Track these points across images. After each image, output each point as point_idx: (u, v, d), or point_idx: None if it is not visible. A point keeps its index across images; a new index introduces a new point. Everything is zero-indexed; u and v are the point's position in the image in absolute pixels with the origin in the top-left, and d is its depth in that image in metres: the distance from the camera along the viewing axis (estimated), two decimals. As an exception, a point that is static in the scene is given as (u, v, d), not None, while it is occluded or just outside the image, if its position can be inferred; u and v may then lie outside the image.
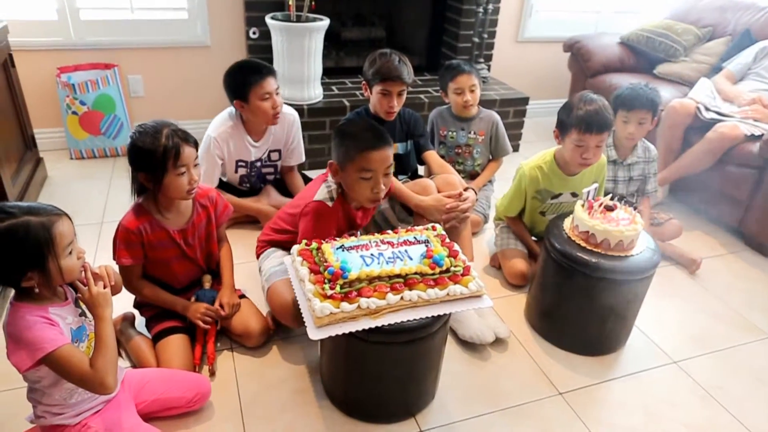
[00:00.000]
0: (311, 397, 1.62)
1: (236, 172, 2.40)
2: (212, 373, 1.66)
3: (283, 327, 1.85)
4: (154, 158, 1.49)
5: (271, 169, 2.51)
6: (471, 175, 2.63)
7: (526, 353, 1.85)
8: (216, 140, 2.26)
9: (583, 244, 1.76)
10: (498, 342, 1.87)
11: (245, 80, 2.17)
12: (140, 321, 1.80)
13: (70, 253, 1.19)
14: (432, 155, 2.30)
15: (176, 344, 1.63)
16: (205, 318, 1.68)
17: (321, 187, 1.73)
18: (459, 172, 2.59)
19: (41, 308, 1.17)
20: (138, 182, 1.57)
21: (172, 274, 1.71)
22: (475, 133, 2.56)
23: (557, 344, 1.88)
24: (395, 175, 2.27)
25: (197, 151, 1.58)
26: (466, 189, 2.06)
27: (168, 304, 1.69)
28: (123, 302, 1.81)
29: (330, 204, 1.68)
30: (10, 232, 1.10)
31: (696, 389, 1.76)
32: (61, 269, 1.17)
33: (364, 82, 2.21)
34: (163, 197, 1.59)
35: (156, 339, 1.67)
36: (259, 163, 2.43)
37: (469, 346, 1.85)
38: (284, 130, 2.42)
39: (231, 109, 2.33)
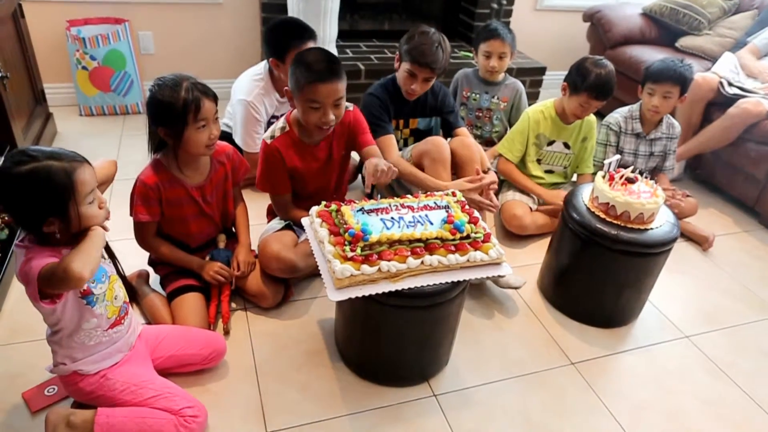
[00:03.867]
0: (325, 358, 1.62)
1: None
2: (227, 332, 1.67)
3: (298, 288, 1.86)
4: (174, 111, 1.46)
5: None
6: (486, 142, 2.59)
7: (539, 323, 1.85)
8: (254, 104, 2.24)
9: (602, 215, 1.74)
10: (512, 311, 1.88)
11: (286, 41, 2.13)
12: (154, 279, 1.79)
13: (92, 201, 1.17)
14: (462, 132, 2.19)
15: (191, 302, 1.63)
16: (218, 277, 1.68)
17: (271, 127, 1.76)
18: (476, 137, 2.56)
19: (54, 250, 1.16)
20: (156, 138, 1.55)
21: (189, 233, 1.70)
22: (498, 99, 2.52)
23: (570, 315, 1.88)
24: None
25: (217, 104, 1.55)
26: (486, 171, 2.03)
27: (183, 263, 1.69)
28: (138, 260, 1.81)
29: (269, 141, 1.71)
30: (32, 176, 1.09)
31: (707, 364, 1.76)
32: (81, 216, 1.15)
33: (397, 53, 2.11)
34: (182, 152, 1.56)
35: (171, 297, 1.67)
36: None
37: (483, 313, 1.85)
38: None
39: (257, 68, 2.31)
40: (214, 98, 1.54)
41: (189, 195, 1.62)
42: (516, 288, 1.87)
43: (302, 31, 2.15)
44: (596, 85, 2.05)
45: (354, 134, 1.82)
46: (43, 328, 1.61)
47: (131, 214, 1.59)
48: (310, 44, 2.15)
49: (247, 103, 2.24)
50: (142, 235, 1.64)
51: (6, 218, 1.90)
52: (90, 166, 1.19)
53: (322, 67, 1.58)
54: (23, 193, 1.10)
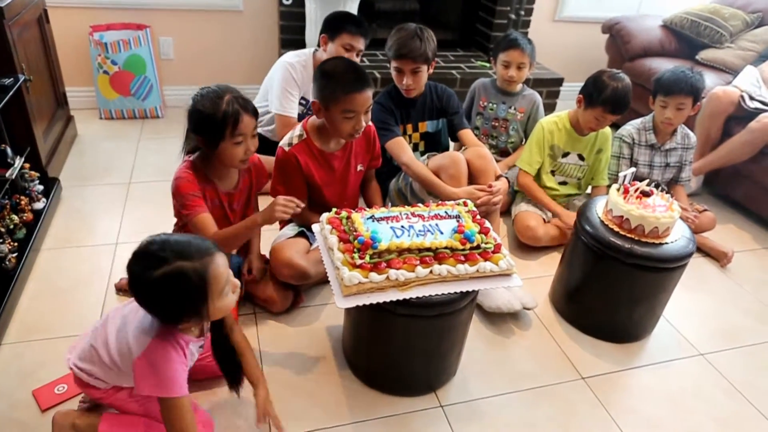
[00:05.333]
0: (332, 366, 1.62)
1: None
2: None
3: (307, 294, 1.86)
4: (212, 123, 1.45)
5: None
6: (501, 152, 2.58)
7: (550, 336, 1.83)
8: (294, 65, 2.33)
9: (616, 228, 1.72)
10: (522, 323, 1.85)
11: (342, 24, 2.22)
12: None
13: (225, 291, 1.13)
14: (467, 134, 2.21)
15: None
16: (287, 208, 1.48)
17: (287, 134, 1.78)
18: (491, 147, 2.55)
19: (176, 339, 1.14)
20: (192, 142, 1.56)
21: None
22: (515, 109, 2.50)
23: (581, 329, 1.85)
24: (424, 153, 2.23)
25: (257, 120, 1.54)
26: (498, 177, 2.02)
27: (244, 229, 1.56)
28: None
29: (287, 148, 1.72)
30: (165, 281, 1.04)
31: (722, 383, 1.72)
32: (217, 310, 1.12)
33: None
34: (216, 162, 1.56)
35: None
36: None
37: (492, 325, 1.83)
38: None
39: (307, 50, 2.40)
40: (254, 114, 1.53)
41: (219, 199, 1.62)
42: (529, 309, 1.86)
43: (361, 23, 2.24)
44: (612, 99, 2.03)
45: (374, 150, 1.91)
46: (57, 327, 1.65)
47: (184, 216, 1.53)
48: (361, 39, 2.23)
49: (288, 64, 2.32)
50: (206, 232, 1.51)
51: (24, 218, 1.94)
52: (221, 253, 1.12)
53: (354, 77, 1.63)
54: (158, 299, 1.07)
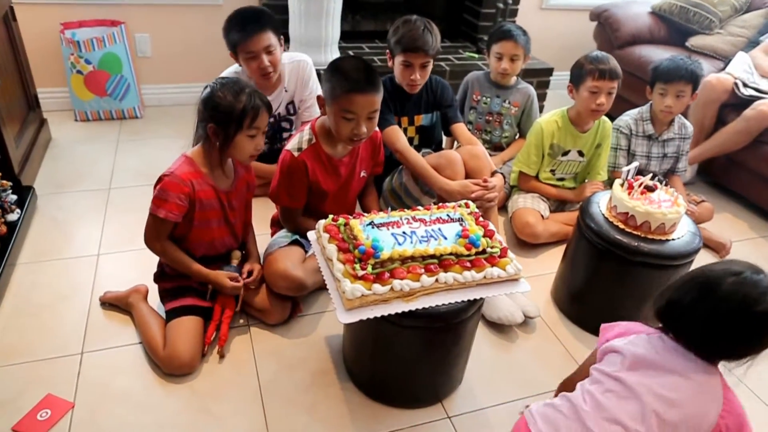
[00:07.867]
0: (333, 378, 1.55)
1: None
2: (222, 356, 1.58)
3: (305, 302, 1.79)
4: (232, 113, 1.45)
5: (287, 124, 2.34)
6: (495, 147, 2.52)
7: (555, 337, 1.77)
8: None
9: (621, 225, 1.67)
10: (526, 324, 1.80)
11: (232, 37, 2.03)
12: (153, 298, 1.71)
13: None
14: (460, 128, 2.15)
15: (186, 327, 1.53)
16: (238, 285, 1.61)
17: (295, 137, 1.69)
18: (484, 141, 2.49)
19: None
20: (203, 133, 1.51)
21: (211, 239, 1.61)
22: (509, 103, 2.44)
23: (587, 329, 1.80)
24: (418, 149, 2.16)
25: (269, 118, 1.55)
26: (493, 174, 1.96)
27: (195, 272, 1.56)
28: (136, 274, 1.75)
29: (296, 154, 1.64)
30: None
31: (729, 378, 1.68)
32: None
33: (388, 50, 2.07)
34: (223, 155, 1.54)
35: (170, 315, 1.58)
36: (272, 120, 2.25)
37: (496, 329, 1.77)
38: (295, 80, 2.25)
39: (236, 65, 2.20)
40: (270, 110, 1.55)
41: (218, 198, 1.57)
42: (531, 318, 1.80)
43: (245, 24, 1.99)
44: (593, 61, 2.01)
45: (377, 157, 1.85)
46: (37, 348, 1.55)
47: (154, 210, 1.48)
48: (256, 39, 1.99)
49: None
50: (156, 233, 1.52)
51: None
52: None
53: (360, 77, 1.53)
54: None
